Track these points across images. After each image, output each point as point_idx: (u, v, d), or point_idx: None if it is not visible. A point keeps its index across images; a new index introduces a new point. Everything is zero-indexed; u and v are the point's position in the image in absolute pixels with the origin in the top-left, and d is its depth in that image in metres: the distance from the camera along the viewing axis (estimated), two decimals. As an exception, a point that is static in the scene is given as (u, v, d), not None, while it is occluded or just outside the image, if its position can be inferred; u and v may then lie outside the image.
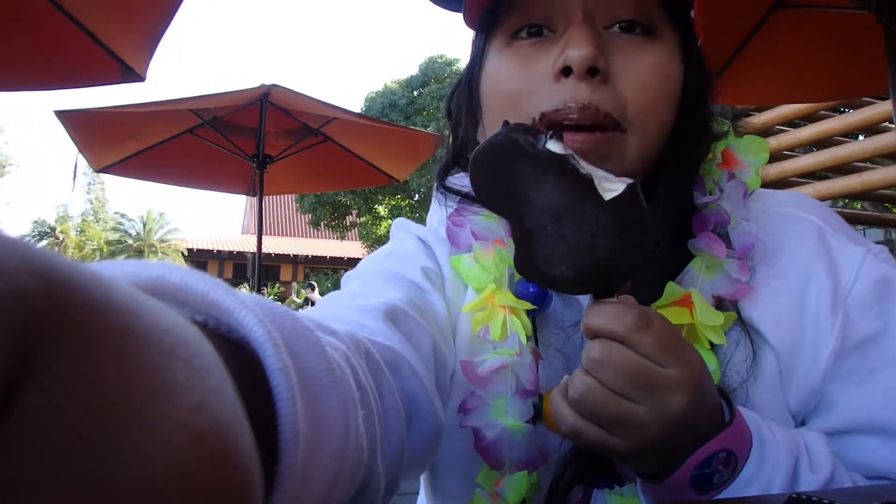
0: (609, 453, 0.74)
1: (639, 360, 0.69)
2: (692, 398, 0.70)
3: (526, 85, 0.89)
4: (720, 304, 0.88)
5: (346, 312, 0.79)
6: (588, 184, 0.68)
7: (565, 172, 0.68)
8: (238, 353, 0.38)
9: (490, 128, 0.96)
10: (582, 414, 0.72)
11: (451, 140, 1.10)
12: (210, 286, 0.39)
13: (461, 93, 1.05)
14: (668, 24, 0.91)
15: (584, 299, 0.94)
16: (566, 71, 0.85)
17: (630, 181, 0.68)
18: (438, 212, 1.07)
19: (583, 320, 0.73)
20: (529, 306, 0.92)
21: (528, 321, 0.91)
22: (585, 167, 0.69)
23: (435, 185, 1.09)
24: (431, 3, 1.04)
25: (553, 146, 0.69)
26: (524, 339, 0.89)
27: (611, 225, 0.68)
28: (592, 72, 0.84)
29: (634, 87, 0.86)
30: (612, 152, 0.86)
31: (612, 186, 0.68)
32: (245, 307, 0.38)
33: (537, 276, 0.73)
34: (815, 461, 0.78)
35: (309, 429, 0.38)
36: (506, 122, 0.73)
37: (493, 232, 0.98)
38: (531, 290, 0.93)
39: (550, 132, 0.70)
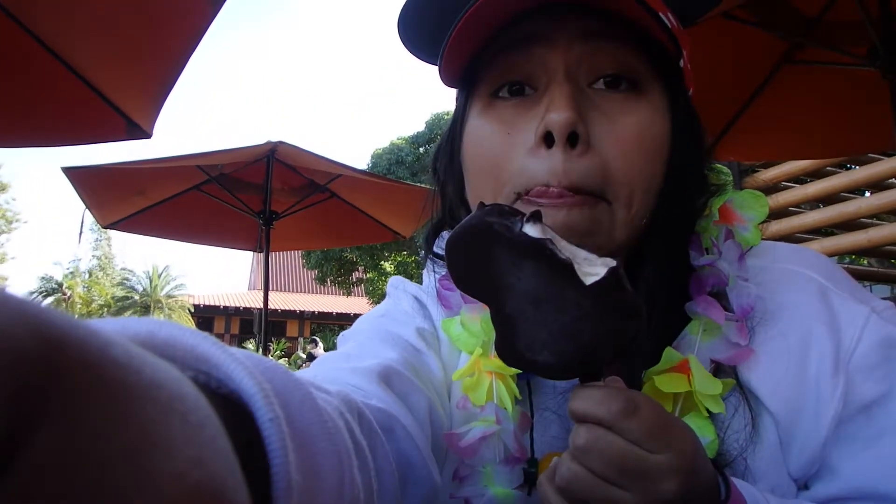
0: None
1: (626, 447, 0.66)
2: (683, 484, 0.66)
3: (506, 154, 0.87)
4: (718, 368, 0.86)
5: (341, 374, 0.79)
6: (568, 268, 0.65)
7: (543, 258, 0.66)
8: (229, 406, 0.37)
9: (473, 193, 0.94)
10: (569, 501, 0.69)
11: (438, 200, 1.08)
12: (198, 340, 0.38)
13: (444, 154, 1.03)
14: (654, 76, 0.89)
15: None
16: (548, 138, 0.83)
17: (613, 264, 0.66)
18: (433, 273, 1.06)
19: (569, 404, 0.70)
20: (515, 371, 0.89)
21: (514, 386, 0.89)
22: (565, 250, 0.67)
23: (424, 248, 1.08)
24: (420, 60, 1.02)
25: (530, 229, 0.67)
26: (509, 406, 0.88)
27: (593, 311, 0.65)
28: (573, 138, 0.82)
29: (617, 153, 0.84)
30: (595, 222, 0.84)
31: (593, 271, 0.66)
32: (235, 360, 0.38)
33: (519, 363, 0.70)
34: None
35: (302, 480, 0.38)
36: (481, 204, 0.71)
37: None
38: None
39: (527, 215, 0.68)
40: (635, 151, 0.84)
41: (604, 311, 0.65)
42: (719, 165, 0.97)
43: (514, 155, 0.86)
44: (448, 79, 0.96)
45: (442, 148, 1.04)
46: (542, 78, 0.88)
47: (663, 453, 0.66)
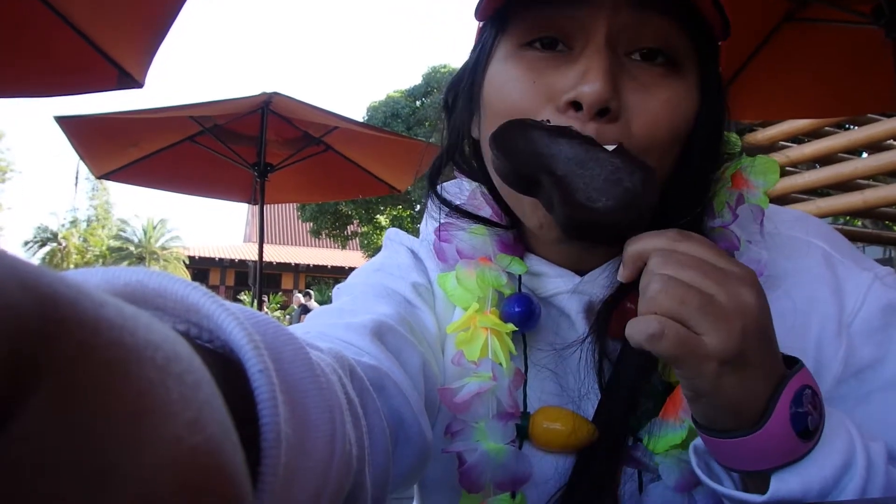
0: (694, 363, 0.67)
1: (698, 258, 0.69)
2: (760, 293, 0.68)
3: (531, 105, 0.84)
4: None
5: (334, 330, 0.78)
6: (591, 140, 0.79)
7: (572, 135, 0.80)
8: (220, 361, 0.37)
9: (487, 135, 0.90)
10: (664, 312, 0.67)
11: (446, 132, 1.05)
12: (189, 290, 0.38)
13: (463, 87, 0.99)
14: (692, 55, 0.86)
15: (579, 322, 0.93)
16: (576, 105, 0.81)
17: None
18: (431, 223, 1.03)
19: (624, 251, 0.74)
20: (511, 328, 0.90)
21: (509, 342, 0.90)
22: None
23: (427, 190, 1.05)
24: None
25: (553, 124, 0.82)
26: (504, 361, 0.88)
27: (624, 166, 0.77)
28: (603, 111, 0.80)
29: (644, 126, 0.82)
30: None
31: (607, 146, 0.80)
32: (225, 310, 0.38)
33: (582, 215, 0.74)
34: (864, 432, 0.75)
35: (292, 432, 0.38)
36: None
37: (479, 250, 0.95)
38: (517, 309, 0.91)
39: (547, 119, 0.83)
40: (663, 127, 0.83)
41: (631, 166, 0.77)
42: (729, 134, 0.96)
43: (538, 108, 0.84)
44: (483, 14, 0.92)
45: (461, 84, 1.00)
46: (579, 39, 0.84)
47: (733, 266, 0.69)
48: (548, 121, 0.81)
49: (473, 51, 0.97)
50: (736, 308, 0.66)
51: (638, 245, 0.72)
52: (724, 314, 0.66)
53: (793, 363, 0.73)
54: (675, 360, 0.69)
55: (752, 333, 0.66)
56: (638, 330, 0.68)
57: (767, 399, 0.69)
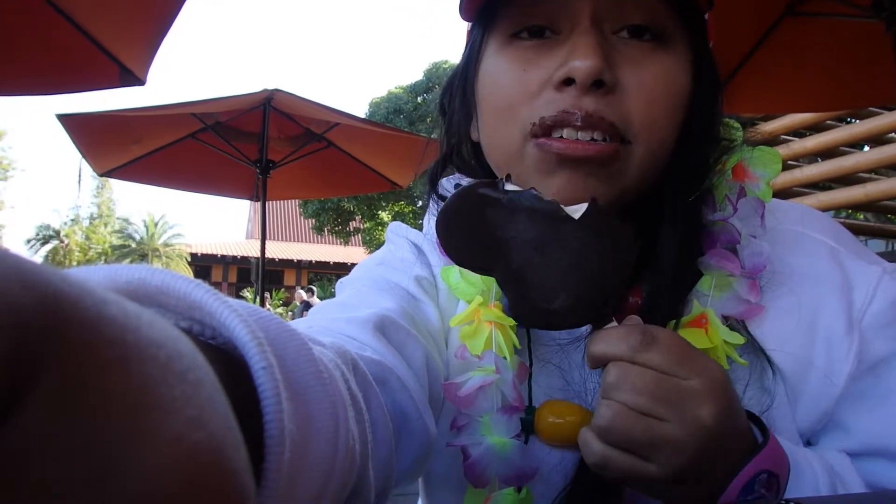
0: (643, 484, 0.70)
1: (656, 376, 0.67)
2: (721, 408, 0.67)
3: (524, 91, 0.85)
4: (728, 324, 0.86)
5: (336, 324, 0.78)
6: (556, 208, 0.71)
7: (532, 204, 0.71)
8: (223, 358, 0.37)
9: (488, 133, 0.92)
10: (611, 442, 0.68)
11: (444, 136, 1.05)
12: (191, 287, 0.38)
13: (457, 88, 1.00)
14: (679, 29, 0.86)
15: None
16: (568, 81, 0.81)
17: (587, 202, 0.72)
18: (432, 219, 1.03)
19: (586, 350, 0.72)
20: (515, 321, 0.89)
21: (513, 336, 0.89)
22: (547, 197, 0.72)
23: (428, 189, 1.05)
24: None
25: (511, 186, 0.72)
26: (507, 355, 0.87)
27: (592, 238, 0.70)
28: (597, 84, 0.80)
29: (641, 100, 0.82)
30: (614, 163, 0.82)
31: (576, 207, 0.71)
32: (228, 308, 0.38)
33: (538, 317, 0.72)
34: (846, 482, 0.77)
35: (296, 428, 0.38)
36: (457, 185, 0.76)
37: None
38: None
39: (506, 175, 0.73)
40: (660, 100, 0.83)
41: (600, 236, 0.70)
42: (729, 119, 0.95)
43: (531, 92, 0.84)
44: (467, 13, 0.93)
45: (454, 85, 1.01)
46: (565, 22, 0.84)
47: (694, 379, 0.67)
48: (505, 180, 0.73)
49: (464, 52, 0.97)
50: (690, 434, 0.66)
51: (599, 347, 0.71)
52: (676, 443, 0.66)
53: (762, 426, 0.74)
54: (621, 483, 0.72)
55: (706, 454, 0.67)
56: (585, 453, 0.71)
57: (717, 491, 0.70)
